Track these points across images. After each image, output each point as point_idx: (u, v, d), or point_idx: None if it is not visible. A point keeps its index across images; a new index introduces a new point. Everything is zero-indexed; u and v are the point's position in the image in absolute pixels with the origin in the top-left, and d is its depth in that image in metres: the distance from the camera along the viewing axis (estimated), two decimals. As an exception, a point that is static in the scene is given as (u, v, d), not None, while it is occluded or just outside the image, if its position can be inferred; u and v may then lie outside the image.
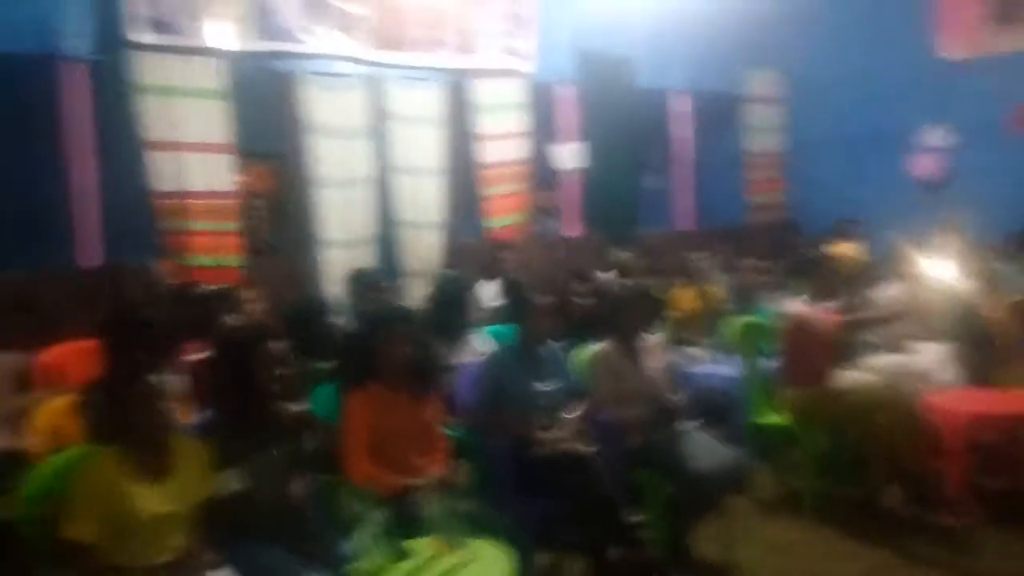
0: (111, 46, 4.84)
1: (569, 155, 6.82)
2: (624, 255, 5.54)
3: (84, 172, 4.92)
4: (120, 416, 2.42)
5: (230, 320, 3.42)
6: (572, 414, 3.42)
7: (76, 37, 4.76)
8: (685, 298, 5.60)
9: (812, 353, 4.05)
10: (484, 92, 6.24)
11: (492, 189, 6.37)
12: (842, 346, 4.08)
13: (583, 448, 3.22)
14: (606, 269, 5.03)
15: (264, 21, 5.25)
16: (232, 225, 5.30)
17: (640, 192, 7.47)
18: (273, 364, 2.71)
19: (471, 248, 6.21)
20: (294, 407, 2.83)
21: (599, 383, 3.57)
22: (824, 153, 8.07)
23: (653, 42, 7.04)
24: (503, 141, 6.36)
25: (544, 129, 6.67)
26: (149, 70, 4.92)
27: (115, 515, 2.36)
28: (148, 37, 4.87)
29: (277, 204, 6.29)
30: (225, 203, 5.25)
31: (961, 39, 7.38)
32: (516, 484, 3.22)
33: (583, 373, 3.67)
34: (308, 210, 5.65)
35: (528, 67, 6.41)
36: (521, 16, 6.35)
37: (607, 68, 6.92)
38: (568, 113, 6.84)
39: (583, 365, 3.72)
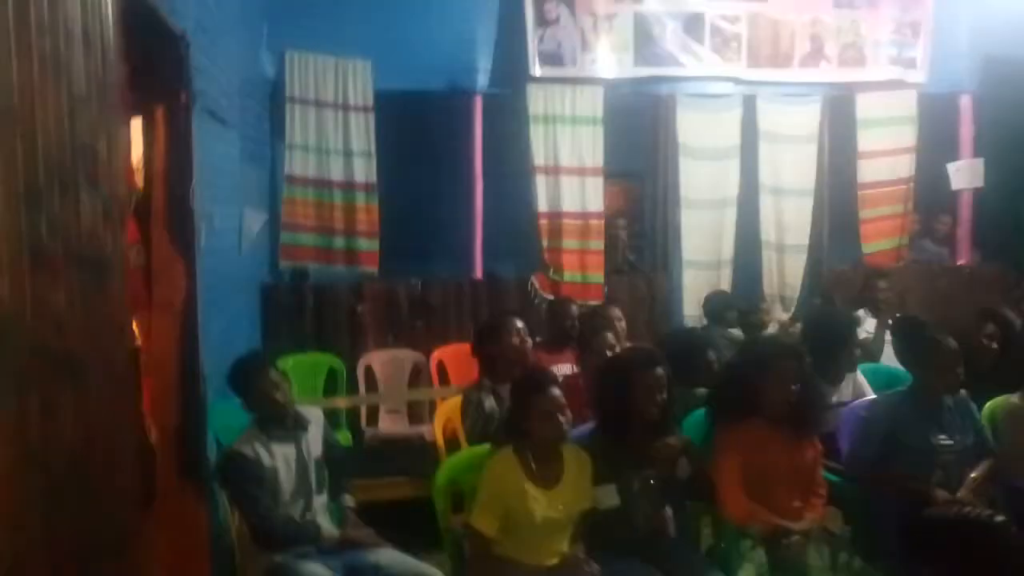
0: (509, 80, 5.36)
1: (964, 173, 6.02)
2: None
3: (477, 193, 5.50)
4: (523, 424, 2.62)
5: (608, 338, 3.51)
6: (978, 474, 3.00)
7: (482, 73, 5.35)
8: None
9: None
10: (868, 106, 5.75)
11: (871, 211, 5.85)
12: None
13: (995, 515, 2.80)
14: (1015, 306, 4.33)
15: (645, 48, 5.43)
16: (598, 243, 5.55)
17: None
18: (656, 390, 2.74)
19: (843, 275, 5.78)
20: (672, 436, 2.84)
21: (1013, 442, 3.08)
22: None
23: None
24: (886, 158, 5.81)
25: (936, 145, 5.97)
26: (540, 100, 5.37)
27: (513, 513, 2.56)
28: (542, 71, 5.31)
29: (634, 223, 6.45)
30: (594, 223, 5.52)
31: None
32: (906, 545, 2.91)
33: (992, 429, 3.19)
34: (671, 230, 5.71)
35: (919, 77, 5.79)
36: (914, 23, 5.76)
37: (1015, 74, 5.98)
38: (965, 126, 6.06)
39: (992, 419, 3.23)
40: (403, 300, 5.30)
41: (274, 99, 5.18)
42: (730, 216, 5.67)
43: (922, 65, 5.79)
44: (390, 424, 4.90)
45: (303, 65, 5.16)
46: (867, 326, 4.77)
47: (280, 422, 2.89)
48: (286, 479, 2.84)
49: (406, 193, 5.69)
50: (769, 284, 5.78)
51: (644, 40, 5.43)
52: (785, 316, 5.56)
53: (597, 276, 5.55)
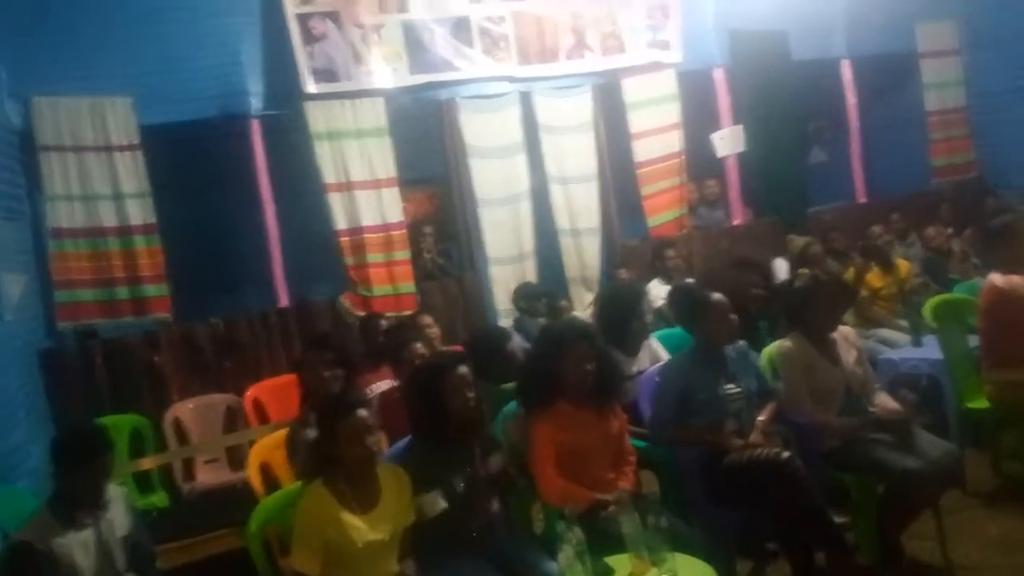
0: (285, 100, 5.22)
1: (727, 141, 6.56)
2: (801, 240, 5.24)
3: (270, 219, 5.32)
4: (332, 450, 2.56)
5: (417, 348, 3.52)
6: (763, 416, 3.27)
7: (255, 97, 5.18)
8: (871, 278, 5.24)
9: (1019, 329, 3.61)
10: (633, 89, 6.14)
11: (650, 187, 6.25)
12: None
13: (781, 452, 3.07)
14: (784, 256, 4.78)
15: (419, 55, 5.48)
16: (404, 253, 5.54)
17: (807, 169, 7.06)
18: (464, 388, 2.78)
19: (635, 249, 6.13)
20: (485, 428, 2.89)
21: (790, 382, 3.39)
22: (1013, 104, 7.27)
23: (808, 10, 6.64)
24: (657, 136, 6.23)
25: (698, 117, 6.46)
26: (320, 117, 5.27)
27: (334, 545, 2.50)
28: (317, 87, 5.22)
29: (442, 228, 6.51)
30: (396, 233, 5.50)
31: None
32: (711, 494, 3.13)
33: (770, 372, 3.50)
34: (472, 230, 5.81)
35: (675, 57, 6.24)
36: (663, 6, 6.20)
37: (759, 45, 6.60)
38: (722, 97, 6.60)
39: (769, 363, 3.55)
40: (206, 342, 5.04)
41: (26, 149, 4.75)
42: (526, 209, 5.86)
43: (676, 45, 6.24)
44: (209, 475, 4.64)
45: (54, 110, 4.77)
46: (662, 293, 5.09)
47: (84, 508, 2.64)
48: (86, 567, 2.55)
49: (193, 229, 5.41)
50: (570, 269, 6.02)
51: (416, 48, 5.48)
52: (589, 297, 5.82)
53: (408, 286, 5.54)
